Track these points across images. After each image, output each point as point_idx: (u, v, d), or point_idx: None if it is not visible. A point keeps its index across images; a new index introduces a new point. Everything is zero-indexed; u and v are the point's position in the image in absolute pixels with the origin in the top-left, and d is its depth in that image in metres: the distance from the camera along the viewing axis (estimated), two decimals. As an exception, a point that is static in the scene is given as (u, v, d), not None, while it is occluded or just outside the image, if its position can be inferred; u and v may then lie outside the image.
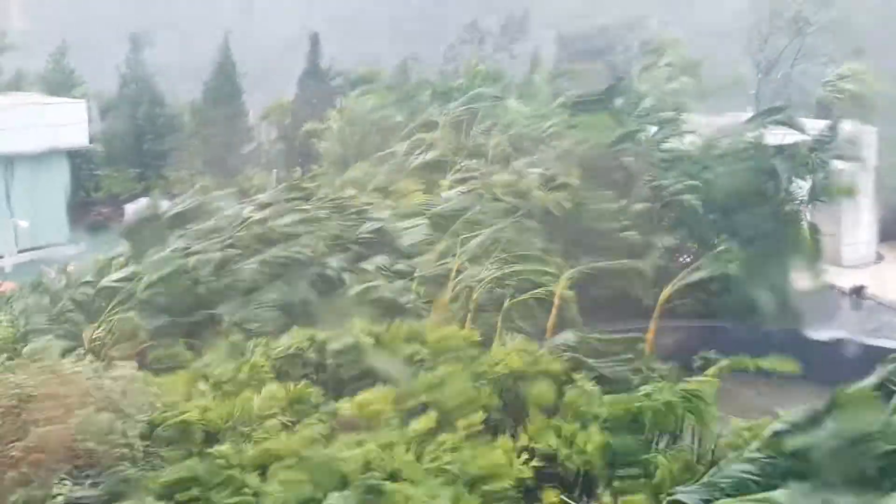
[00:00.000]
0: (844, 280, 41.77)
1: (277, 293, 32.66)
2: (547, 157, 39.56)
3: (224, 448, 23.20)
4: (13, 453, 22.51)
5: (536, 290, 31.55)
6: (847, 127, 40.36)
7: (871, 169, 44.47)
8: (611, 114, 40.19)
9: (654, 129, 40.61)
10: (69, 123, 55.10)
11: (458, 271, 32.76)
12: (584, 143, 38.80)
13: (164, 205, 40.87)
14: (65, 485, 22.09)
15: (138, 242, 36.75)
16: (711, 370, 26.64)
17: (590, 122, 40.05)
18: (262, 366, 26.94)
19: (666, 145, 39.00)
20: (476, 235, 34.48)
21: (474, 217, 35.85)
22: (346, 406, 25.17)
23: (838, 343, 31.59)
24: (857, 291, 40.23)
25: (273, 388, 25.55)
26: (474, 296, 31.41)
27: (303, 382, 26.15)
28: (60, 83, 61.15)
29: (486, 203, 36.62)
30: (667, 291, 32.04)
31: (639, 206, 36.12)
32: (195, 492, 21.80)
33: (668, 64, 48.90)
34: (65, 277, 38.22)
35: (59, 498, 21.81)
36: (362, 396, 25.29)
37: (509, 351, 27.40)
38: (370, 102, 53.68)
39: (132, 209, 52.60)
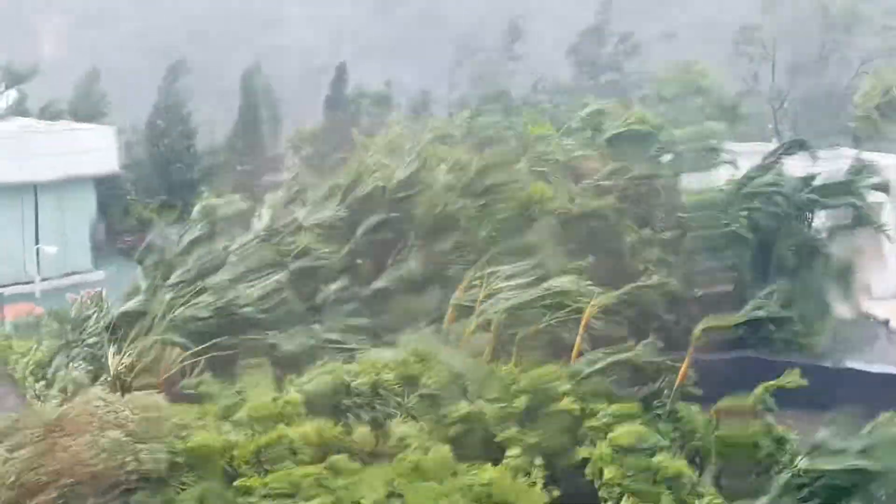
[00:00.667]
0: (876, 311, 41.48)
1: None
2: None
3: (246, 480, 23.26)
4: (42, 478, 22.50)
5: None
6: (872, 156, 40.63)
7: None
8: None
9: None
10: (97, 150, 55.29)
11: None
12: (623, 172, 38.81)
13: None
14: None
15: (152, 271, 37.09)
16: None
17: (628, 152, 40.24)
18: (294, 402, 26.60)
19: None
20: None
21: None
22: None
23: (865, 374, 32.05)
24: (886, 324, 40.29)
25: (304, 427, 25.20)
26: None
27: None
28: (90, 110, 61.51)
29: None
30: (699, 329, 30.43)
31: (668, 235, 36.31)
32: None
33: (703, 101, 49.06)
34: (90, 304, 38.36)
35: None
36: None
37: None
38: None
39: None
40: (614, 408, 25.63)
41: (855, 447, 21.31)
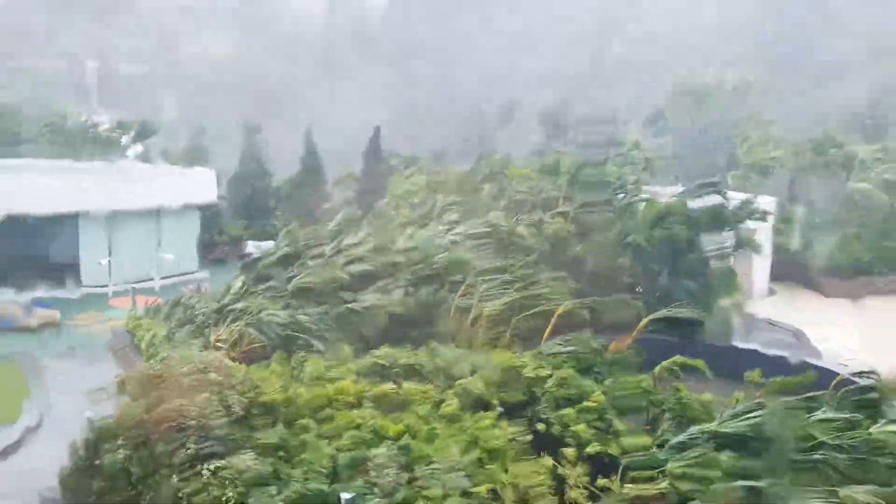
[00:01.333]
0: (752, 307, 42.07)
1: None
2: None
3: (304, 421, 23.88)
4: (157, 417, 23.29)
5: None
6: (757, 197, 40.64)
7: (769, 228, 44.88)
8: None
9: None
10: (202, 185, 56.15)
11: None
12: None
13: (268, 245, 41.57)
14: (192, 441, 22.90)
15: (250, 275, 37.73)
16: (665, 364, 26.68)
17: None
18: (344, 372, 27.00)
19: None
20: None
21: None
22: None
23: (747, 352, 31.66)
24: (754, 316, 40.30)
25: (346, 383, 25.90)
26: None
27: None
28: (196, 157, 62.14)
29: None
30: (645, 320, 31.12)
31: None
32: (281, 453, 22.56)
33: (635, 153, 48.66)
34: (198, 296, 39.27)
35: (191, 449, 22.61)
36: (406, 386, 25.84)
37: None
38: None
39: (251, 246, 54.09)
40: (560, 373, 25.98)
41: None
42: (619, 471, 21.40)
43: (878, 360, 23.28)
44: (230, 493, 21.10)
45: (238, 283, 36.67)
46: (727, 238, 37.89)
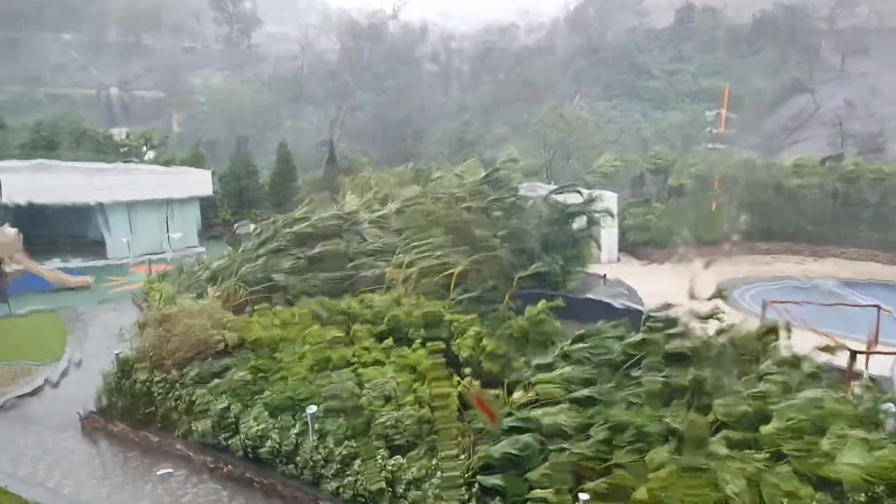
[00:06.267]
0: (603, 270, 42.89)
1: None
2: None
3: (279, 355, 23.32)
4: (168, 347, 23.10)
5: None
6: (604, 193, 41.49)
7: (615, 215, 45.75)
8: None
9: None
10: (201, 182, 54.72)
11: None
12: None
13: (251, 227, 40.87)
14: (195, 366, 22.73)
15: (235, 246, 37.12)
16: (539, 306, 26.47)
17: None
18: (305, 314, 26.37)
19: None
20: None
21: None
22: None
23: (595, 301, 32.52)
24: (603, 277, 40.91)
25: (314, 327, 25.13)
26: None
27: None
28: (197, 160, 60.43)
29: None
30: (517, 277, 30.76)
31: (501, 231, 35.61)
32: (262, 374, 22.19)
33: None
34: (198, 264, 38.49)
35: (194, 370, 22.53)
36: (355, 328, 25.26)
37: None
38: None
39: (239, 227, 53.05)
40: (465, 318, 25.86)
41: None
42: (504, 385, 21.56)
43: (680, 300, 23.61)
44: (225, 400, 21.06)
45: (228, 253, 36.30)
46: (584, 221, 38.11)
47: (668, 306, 21.75)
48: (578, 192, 40.32)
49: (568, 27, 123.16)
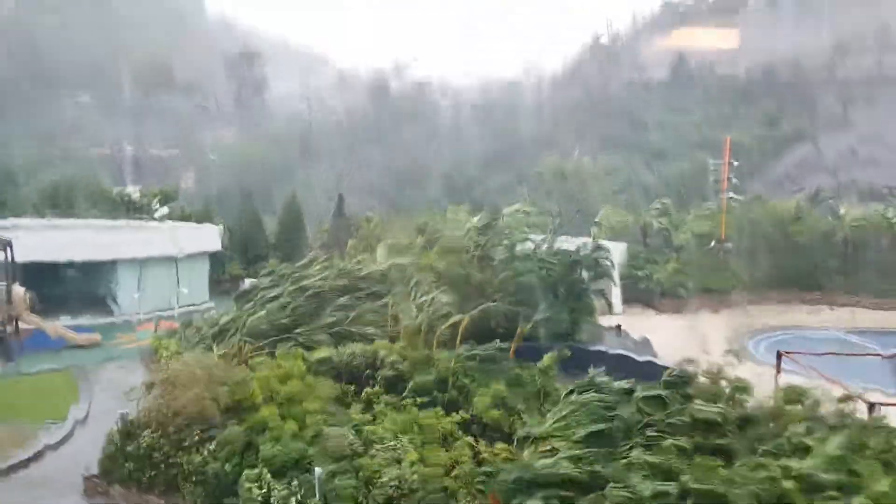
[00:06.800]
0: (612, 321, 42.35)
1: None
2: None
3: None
4: (170, 412, 22.78)
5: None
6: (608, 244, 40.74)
7: (614, 265, 44.56)
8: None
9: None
10: (210, 237, 54.95)
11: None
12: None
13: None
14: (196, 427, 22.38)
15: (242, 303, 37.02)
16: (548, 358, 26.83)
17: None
18: (300, 369, 26.01)
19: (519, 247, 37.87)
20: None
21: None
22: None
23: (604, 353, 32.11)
24: (618, 328, 40.30)
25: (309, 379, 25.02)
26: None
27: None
28: (207, 216, 60.91)
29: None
30: (520, 330, 30.99)
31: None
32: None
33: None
34: (205, 321, 38.18)
35: (196, 433, 22.14)
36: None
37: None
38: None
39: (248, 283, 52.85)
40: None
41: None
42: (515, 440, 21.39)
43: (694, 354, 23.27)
44: (224, 464, 20.64)
45: (235, 309, 36.18)
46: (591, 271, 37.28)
47: (688, 361, 21.56)
48: (585, 241, 39.71)
49: (567, 82, 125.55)
